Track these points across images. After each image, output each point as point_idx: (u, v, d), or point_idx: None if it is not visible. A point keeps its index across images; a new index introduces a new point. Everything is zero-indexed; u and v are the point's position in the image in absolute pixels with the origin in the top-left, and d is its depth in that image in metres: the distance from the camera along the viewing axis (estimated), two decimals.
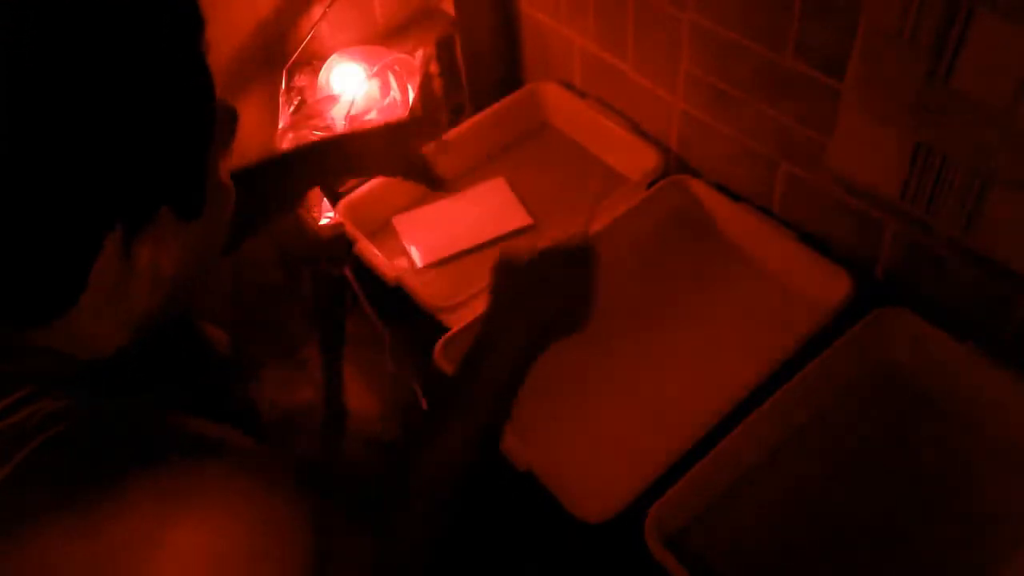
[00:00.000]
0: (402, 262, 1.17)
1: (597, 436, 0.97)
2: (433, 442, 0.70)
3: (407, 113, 1.17)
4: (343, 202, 1.19)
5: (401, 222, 1.21)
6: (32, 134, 0.44)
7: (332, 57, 1.20)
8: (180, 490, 0.46)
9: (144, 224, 0.49)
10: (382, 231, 1.22)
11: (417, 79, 1.25)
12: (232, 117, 0.55)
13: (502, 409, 0.73)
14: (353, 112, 1.18)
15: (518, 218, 1.20)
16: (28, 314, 0.50)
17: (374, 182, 1.21)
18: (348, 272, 1.18)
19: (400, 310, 1.12)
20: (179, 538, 0.45)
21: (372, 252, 1.12)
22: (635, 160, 1.22)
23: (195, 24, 0.50)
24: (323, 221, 1.22)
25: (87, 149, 0.45)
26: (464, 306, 1.04)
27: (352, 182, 1.27)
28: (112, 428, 0.49)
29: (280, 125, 1.15)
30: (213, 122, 0.52)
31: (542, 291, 0.76)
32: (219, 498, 0.47)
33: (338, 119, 1.17)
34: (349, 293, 1.17)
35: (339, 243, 1.19)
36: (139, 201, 0.48)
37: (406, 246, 1.18)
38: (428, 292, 1.08)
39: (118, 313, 0.52)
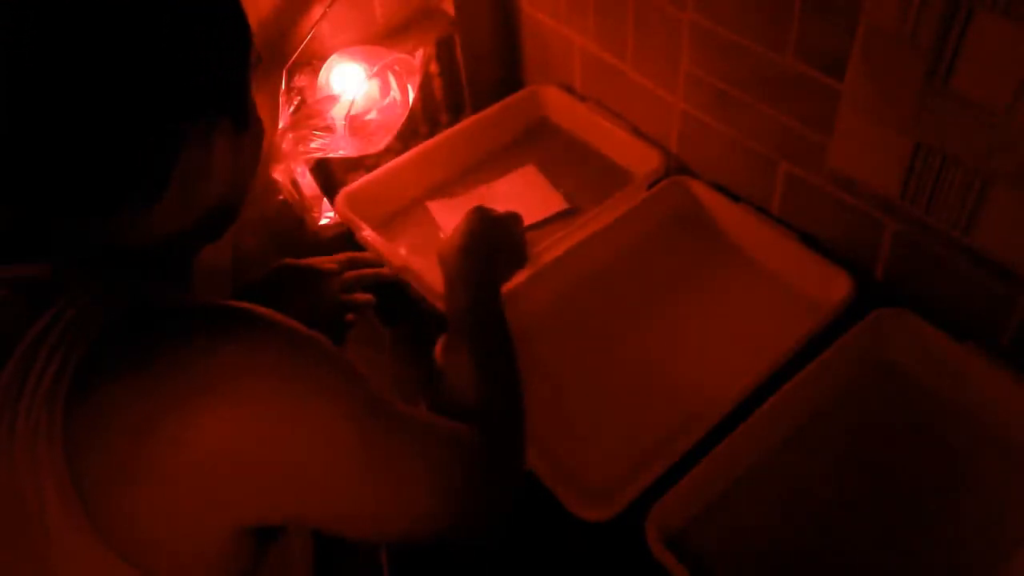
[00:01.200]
0: (404, 251, 1.17)
1: (597, 436, 0.97)
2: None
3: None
4: (342, 193, 1.19)
5: (437, 208, 1.21)
6: (118, 47, 0.55)
7: (332, 57, 1.20)
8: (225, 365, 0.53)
9: (214, 126, 0.60)
10: (382, 224, 1.22)
11: (417, 79, 1.25)
12: (259, 59, 0.66)
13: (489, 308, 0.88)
14: (353, 112, 1.18)
15: (555, 203, 1.21)
16: (126, 200, 0.59)
17: (375, 172, 1.22)
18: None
19: (400, 309, 1.12)
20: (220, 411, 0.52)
21: (376, 240, 1.12)
22: (635, 161, 1.22)
23: None
24: (323, 221, 1.21)
25: (161, 57, 0.56)
26: None
27: (353, 180, 1.27)
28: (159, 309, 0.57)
29: (280, 125, 1.15)
30: (251, 52, 0.64)
31: (503, 235, 0.96)
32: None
33: (338, 119, 1.17)
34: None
35: (339, 243, 1.19)
36: (207, 105, 0.59)
37: (444, 230, 1.18)
38: (434, 278, 1.07)
39: (192, 199, 0.61)
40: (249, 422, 0.54)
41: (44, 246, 0.59)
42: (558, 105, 1.34)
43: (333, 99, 1.18)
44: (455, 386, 0.79)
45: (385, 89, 1.24)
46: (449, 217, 1.20)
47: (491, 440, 0.72)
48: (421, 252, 1.18)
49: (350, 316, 1.03)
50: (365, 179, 1.22)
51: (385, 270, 1.08)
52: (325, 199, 1.23)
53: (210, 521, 0.56)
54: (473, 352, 0.81)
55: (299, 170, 1.18)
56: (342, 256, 1.05)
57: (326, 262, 1.04)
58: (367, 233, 1.13)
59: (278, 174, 1.16)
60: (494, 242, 0.94)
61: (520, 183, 1.25)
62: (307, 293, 1.00)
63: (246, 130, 0.65)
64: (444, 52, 1.32)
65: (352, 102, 1.17)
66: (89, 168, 0.57)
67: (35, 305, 0.55)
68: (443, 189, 1.27)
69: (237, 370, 0.53)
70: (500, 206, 0.99)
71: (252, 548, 0.60)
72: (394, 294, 1.10)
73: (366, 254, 1.10)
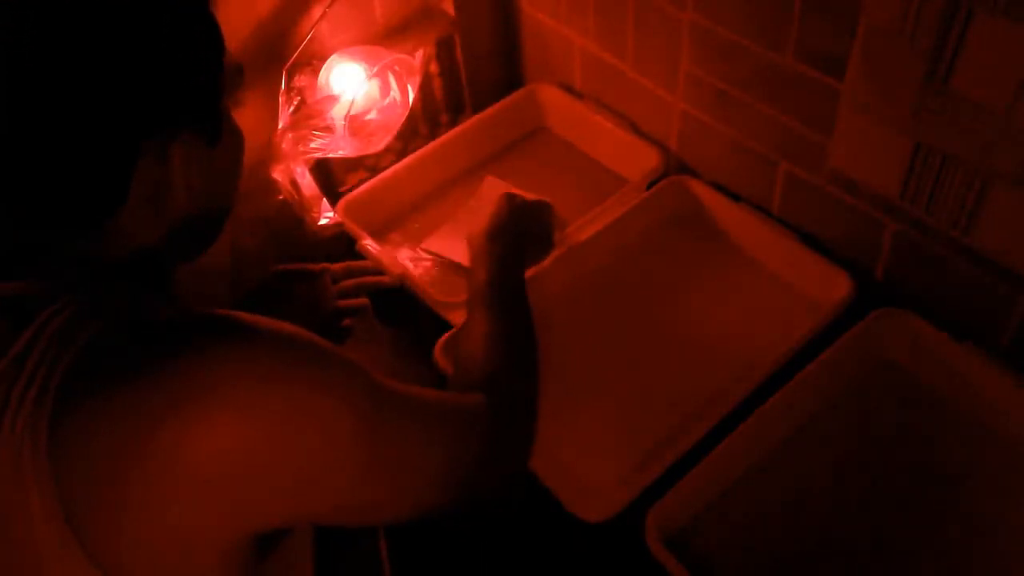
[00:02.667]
0: (404, 259, 1.17)
1: (597, 436, 0.97)
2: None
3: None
4: (342, 201, 1.19)
5: (434, 244, 1.20)
6: (74, 59, 0.54)
7: (332, 57, 1.20)
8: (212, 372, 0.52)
9: (173, 139, 0.59)
10: (382, 231, 1.22)
11: (417, 79, 1.25)
12: (238, 71, 0.66)
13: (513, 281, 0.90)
14: (353, 112, 1.18)
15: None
16: (83, 214, 0.58)
17: (374, 180, 1.22)
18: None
19: (400, 310, 1.12)
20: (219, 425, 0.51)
21: (376, 248, 1.12)
22: (635, 160, 1.22)
23: None
24: (322, 221, 1.21)
25: (117, 70, 0.55)
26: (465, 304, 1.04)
27: (352, 180, 1.27)
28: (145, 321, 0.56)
29: (280, 125, 1.15)
30: (222, 66, 0.63)
31: (531, 221, 1.00)
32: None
33: (338, 119, 1.17)
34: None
35: (338, 243, 1.19)
36: (165, 119, 0.58)
37: (457, 262, 1.16)
38: (433, 288, 1.08)
39: (157, 212, 0.61)
40: (245, 429, 0.52)
41: (20, 262, 0.58)
42: (557, 105, 1.33)
43: (333, 99, 1.18)
44: (470, 356, 0.80)
45: (385, 89, 1.24)
46: (453, 246, 1.19)
47: (502, 406, 0.73)
48: (419, 260, 1.19)
49: (347, 321, 1.03)
50: (364, 187, 1.21)
51: (385, 278, 1.08)
52: (325, 199, 1.23)
53: (209, 536, 0.54)
54: (488, 321, 0.83)
55: (299, 170, 1.18)
56: (340, 265, 1.05)
57: (319, 264, 1.03)
58: (367, 242, 1.13)
59: (277, 174, 1.16)
60: (521, 227, 0.96)
61: (493, 195, 1.24)
62: (302, 296, 0.99)
63: (216, 143, 0.64)
64: (444, 52, 1.32)
65: (352, 102, 1.17)
66: (43, 182, 0.56)
67: (16, 322, 0.54)
68: (442, 194, 1.28)
69: (227, 377, 0.52)
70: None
71: (251, 558, 0.59)
72: (394, 298, 1.10)
73: (365, 263, 1.10)
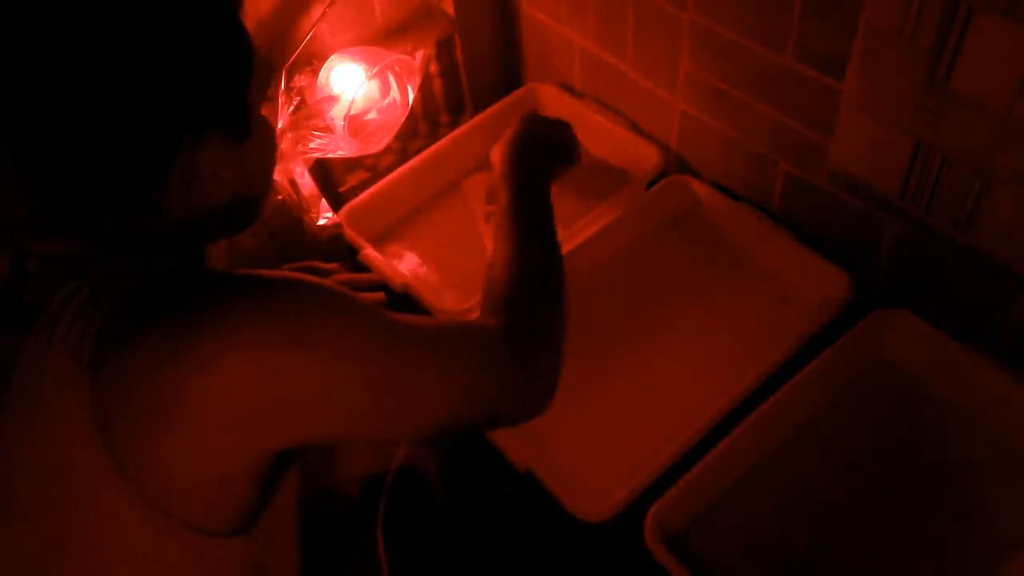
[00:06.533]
0: (406, 268, 1.17)
1: (597, 436, 0.97)
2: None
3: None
4: (345, 209, 1.19)
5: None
6: (122, 66, 0.60)
7: (332, 57, 1.20)
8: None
9: (204, 137, 0.64)
10: (384, 236, 1.22)
11: (417, 79, 1.25)
12: (269, 69, 0.73)
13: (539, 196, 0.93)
14: (353, 112, 1.18)
15: None
16: (126, 197, 0.64)
17: (375, 187, 1.22)
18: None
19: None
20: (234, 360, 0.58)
21: (378, 259, 1.12)
22: (635, 160, 1.22)
23: None
24: (321, 221, 1.21)
25: (158, 77, 0.60)
26: (472, 311, 1.04)
27: (352, 180, 1.27)
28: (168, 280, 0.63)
29: (279, 125, 1.15)
30: (251, 67, 0.67)
31: (551, 132, 1.02)
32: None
33: (338, 119, 1.17)
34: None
35: (338, 243, 1.19)
36: (199, 119, 0.64)
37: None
38: (436, 298, 1.08)
39: (191, 199, 0.65)
40: (270, 354, 0.58)
41: (72, 227, 0.65)
42: (557, 104, 1.33)
43: (333, 99, 1.18)
44: (493, 281, 0.83)
45: (385, 89, 1.24)
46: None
47: (519, 332, 0.77)
48: (423, 263, 1.19)
49: None
50: (366, 194, 1.21)
51: (380, 295, 1.08)
52: (324, 199, 1.22)
53: (235, 455, 0.61)
54: (509, 248, 0.85)
55: (298, 170, 1.18)
56: (345, 277, 1.06)
57: (329, 263, 1.05)
58: (368, 252, 1.13)
59: (277, 174, 1.16)
60: (540, 138, 0.98)
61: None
62: None
63: (247, 139, 0.68)
64: (444, 52, 1.32)
65: (352, 102, 1.17)
66: (94, 169, 0.62)
67: (65, 276, 0.62)
68: (444, 196, 1.28)
69: (254, 313, 0.59)
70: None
71: (273, 470, 0.66)
72: (395, 302, 1.10)
73: (370, 276, 1.10)
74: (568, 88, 1.34)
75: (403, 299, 1.09)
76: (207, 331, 0.58)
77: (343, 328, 0.62)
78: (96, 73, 0.59)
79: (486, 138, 1.30)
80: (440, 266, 1.19)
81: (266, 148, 0.74)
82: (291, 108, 1.16)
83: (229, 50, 0.66)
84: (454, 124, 1.34)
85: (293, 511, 0.74)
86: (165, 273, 0.64)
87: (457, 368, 0.70)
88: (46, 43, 0.58)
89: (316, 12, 1.17)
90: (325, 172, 1.26)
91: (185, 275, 0.65)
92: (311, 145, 1.16)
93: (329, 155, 1.19)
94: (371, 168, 1.29)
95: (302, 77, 1.20)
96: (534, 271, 0.84)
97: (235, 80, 0.67)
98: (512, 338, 0.75)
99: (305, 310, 0.61)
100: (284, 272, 0.64)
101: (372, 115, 1.24)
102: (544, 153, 0.97)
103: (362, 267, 1.14)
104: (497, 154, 0.97)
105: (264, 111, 0.72)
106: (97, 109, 0.60)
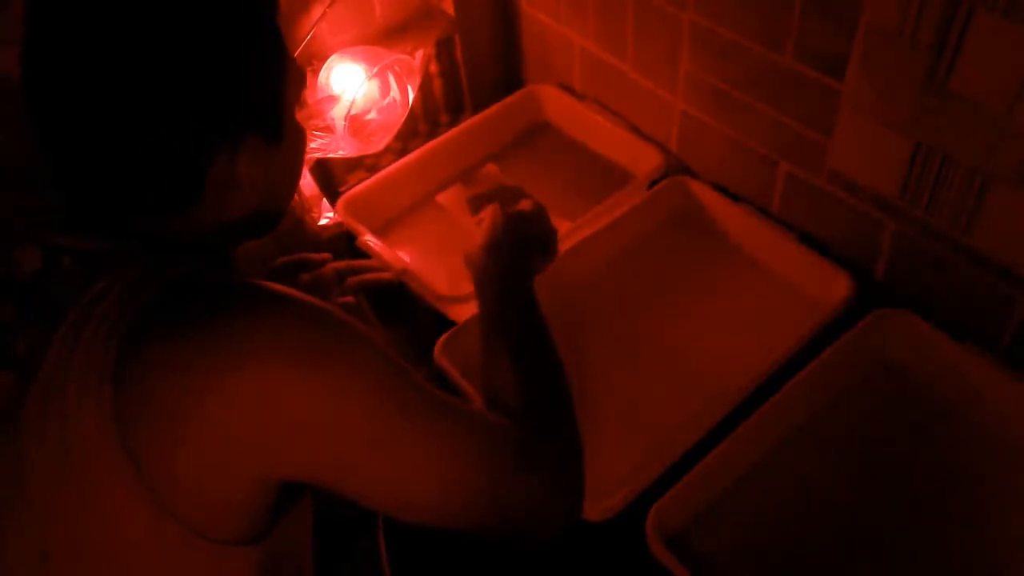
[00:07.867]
0: (404, 255, 1.17)
1: (597, 436, 0.97)
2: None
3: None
4: (342, 199, 1.19)
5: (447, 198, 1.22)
6: (164, 75, 0.61)
7: (332, 57, 1.20)
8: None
9: (240, 144, 0.66)
10: (381, 229, 1.22)
11: (417, 79, 1.25)
12: (302, 75, 0.74)
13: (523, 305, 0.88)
14: (353, 112, 1.18)
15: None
16: (168, 204, 0.66)
17: (374, 177, 1.22)
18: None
19: (399, 309, 1.12)
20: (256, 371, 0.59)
21: (377, 244, 1.12)
22: (635, 160, 1.22)
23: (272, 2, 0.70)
24: (323, 221, 1.21)
25: (198, 85, 0.62)
26: (469, 298, 1.04)
27: (352, 180, 1.27)
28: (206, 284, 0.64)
29: None
30: (287, 69, 0.69)
31: (529, 228, 0.96)
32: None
33: (338, 119, 1.17)
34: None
35: (339, 243, 1.19)
36: (236, 125, 0.65)
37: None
38: (433, 283, 1.07)
39: (226, 203, 0.68)
40: (281, 374, 0.59)
41: (104, 228, 0.66)
42: (557, 105, 1.34)
43: (333, 99, 1.18)
44: (496, 386, 0.79)
45: (385, 89, 1.24)
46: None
47: (533, 434, 0.72)
48: (421, 255, 1.19)
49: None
50: (364, 184, 1.21)
51: (385, 274, 1.08)
52: (325, 199, 1.23)
53: (243, 466, 0.61)
54: (508, 348, 0.81)
55: None
56: (341, 264, 1.05)
57: (320, 255, 1.04)
58: (367, 238, 1.13)
59: None
60: (520, 236, 0.93)
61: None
62: (305, 285, 1.00)
63: (279, 143, 0.70)
64: (444, 52, 1.33)
65: (352, 102, 1.17)
66: (137, 177, 0.64)
67: (93, 275, 0.62)
68: (441, 193, 1.28)
69: (274, 335, 0.60)
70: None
71: (275, 502, 0.65)
72: (393, 295, 1.10)
73: (365, 261, 1.10)
74: (568, 88, 1.34)
75: (396, 290, 1.09)
76: (232, 344, 0.59)
77: (363, 370, 0.62)
78: (139, 73, 0.60)
79: (486, 135, 1.30)
80: (437, 259, 1.18)
81: (297, 152, 0.75)
82: None
83: (267, 51, 0.67)
84: (454, 124, 1.34)
85: (308, 519, 0.74)
86: (190, 278, 0.64)
87: (463, 445, 0.66)
88: (89, 43, 0.60)
89: (316, 12, 1.17)
90: (325, 172, 1.27)
91: (211, 282, 0.65)
92: (311, 145, 1.16)
93: (329, 155, 1.19)
94: (371, 168, 1.29)
95: None
96: (540, 381, 0.80)
97: (273, 82, 0.68)
98: (524, 447, 0.70)
99: (332, 351, 0.61)
100: (295, 294, 0.64)
101: (372, 115, 1.24)
102: (523, 252, 0.92)
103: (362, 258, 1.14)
104: (474, 251, 0.92)
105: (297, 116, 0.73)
106: (139, 108, 0.61)
